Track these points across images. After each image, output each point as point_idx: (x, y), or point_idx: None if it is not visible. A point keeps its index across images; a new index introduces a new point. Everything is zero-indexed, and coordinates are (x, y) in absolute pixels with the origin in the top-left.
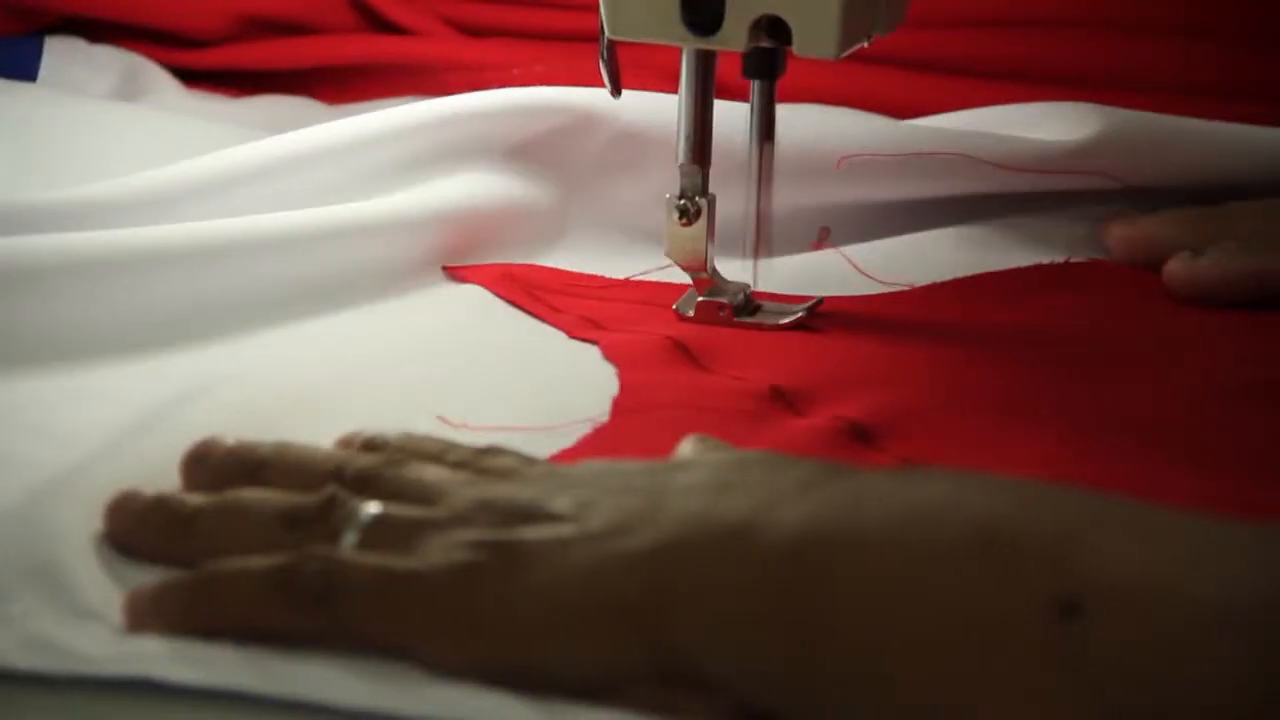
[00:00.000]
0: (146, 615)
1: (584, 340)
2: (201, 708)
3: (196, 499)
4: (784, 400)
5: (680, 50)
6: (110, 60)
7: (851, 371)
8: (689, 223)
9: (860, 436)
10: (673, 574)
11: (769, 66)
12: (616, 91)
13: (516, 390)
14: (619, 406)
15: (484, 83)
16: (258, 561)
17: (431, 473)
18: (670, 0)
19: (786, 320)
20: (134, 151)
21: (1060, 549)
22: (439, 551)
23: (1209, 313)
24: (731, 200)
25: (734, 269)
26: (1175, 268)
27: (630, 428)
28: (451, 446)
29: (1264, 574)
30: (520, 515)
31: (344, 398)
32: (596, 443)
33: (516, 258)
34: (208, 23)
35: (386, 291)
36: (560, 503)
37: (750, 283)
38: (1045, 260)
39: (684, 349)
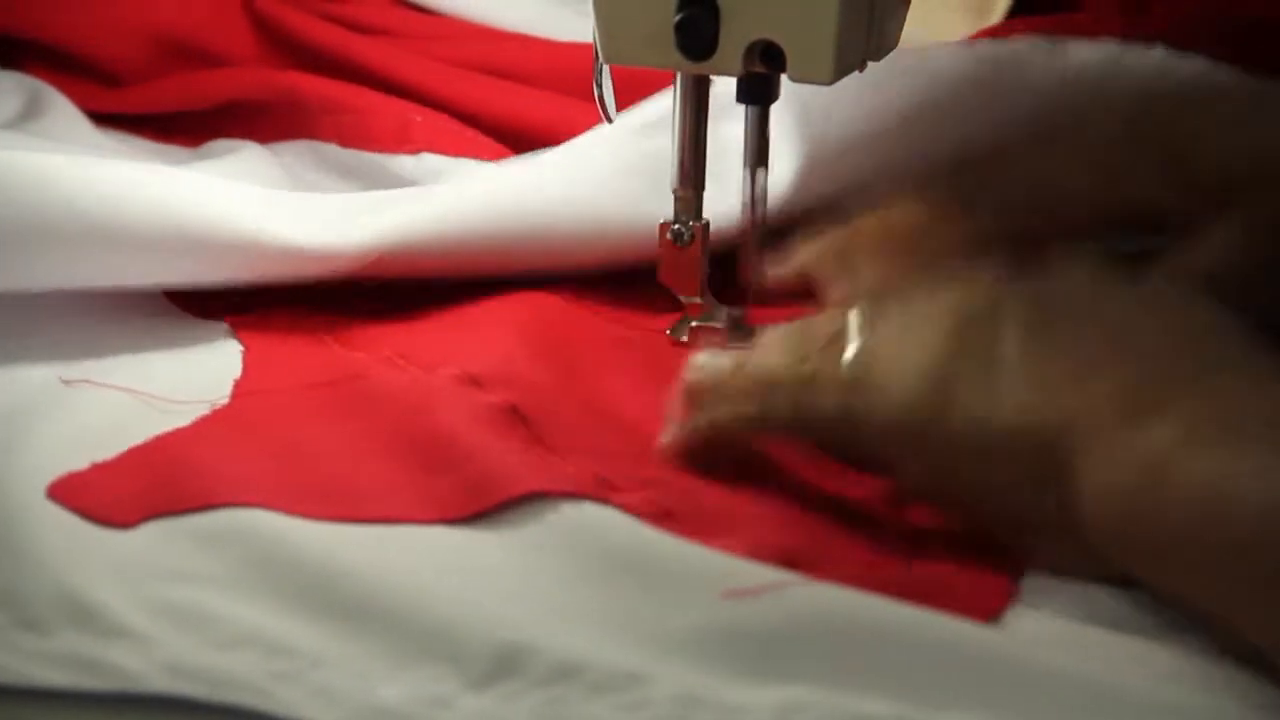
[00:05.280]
0: (676, 451)
1: (214, 320)
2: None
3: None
4: (406, 361)
5: (673, 74)
6: (14, 86)
7: (473, 337)
8: (683, 247)
9: (474, 383)
10: (1072, 450)
11: (762, 93)
12: (610, 117)
13: (149, 361)
14: (239, 389)
15: (379, 128)
16: (744, 408)
17: (905, 306)
18: (664, 25)
19: None
20: None
21: None
22: (898, 376)
23: None
24: None
25: None
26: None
27: (247, 410)
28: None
29: None
30: (976, 346)
31: None
32: (211, 425)
33: None
34: (118, 45)
35: None
36: (1011, 335)
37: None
38: None
39: (321, 327)
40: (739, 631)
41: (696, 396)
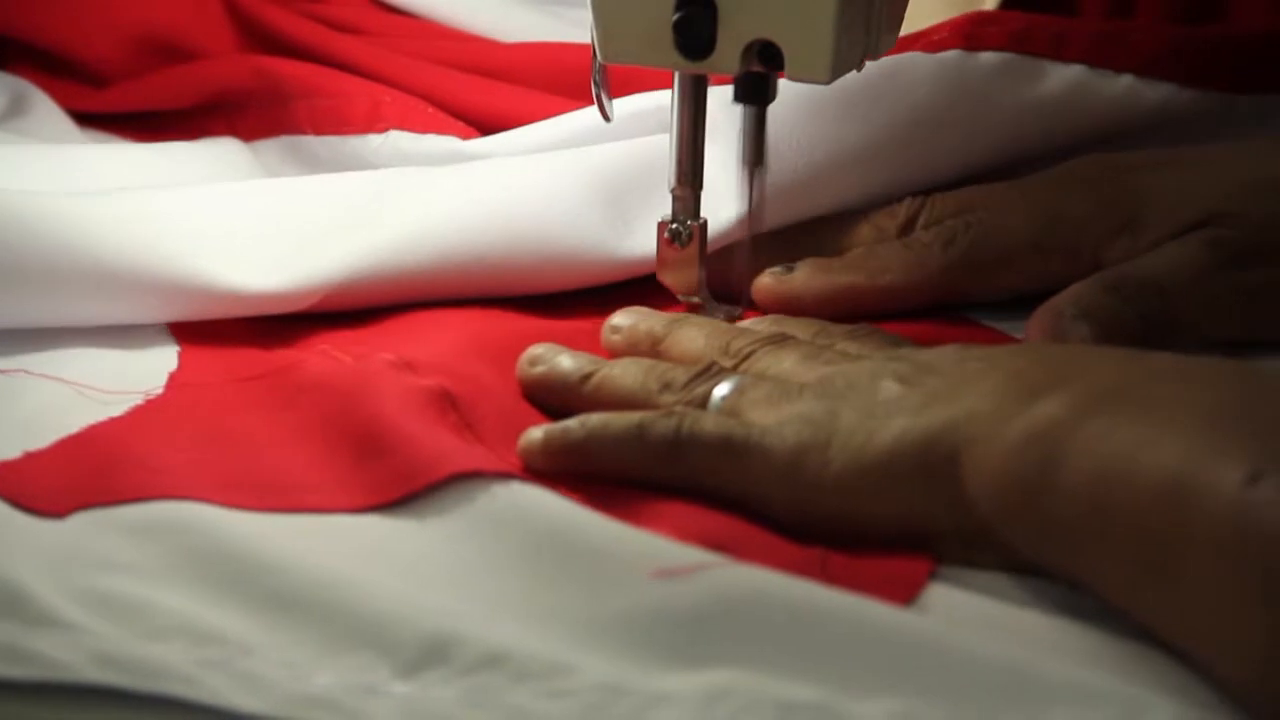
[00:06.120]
0: (537, 455)
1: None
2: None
3: (591, 365)
4: (342, 354)
5: (672, 74)
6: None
7: (405, 330)
8: (682, 246)
9: (407, 367)
10: (959, 447)
11: (759, 92)
12: (608, 116)
13: (85, 353)
14: (174, 381)
15: (352, 111)
16: (624, 416)
17: (792, 354)
18: (662, 24)
19: None
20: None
21: (1266, 428)
22: (776, 420)
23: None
24: None
25: None
26: (765, 281)
27: (180, 402)
28: (825, 328)
29: None
30: (850, 390)
31: None
32: (144, 415)
33: None
34: (103, 45)
35: None
36: (886, 379)
37: (739, 306)
38: None
39: (259, 325)
40: (665, 615)
41: (535, 392)
